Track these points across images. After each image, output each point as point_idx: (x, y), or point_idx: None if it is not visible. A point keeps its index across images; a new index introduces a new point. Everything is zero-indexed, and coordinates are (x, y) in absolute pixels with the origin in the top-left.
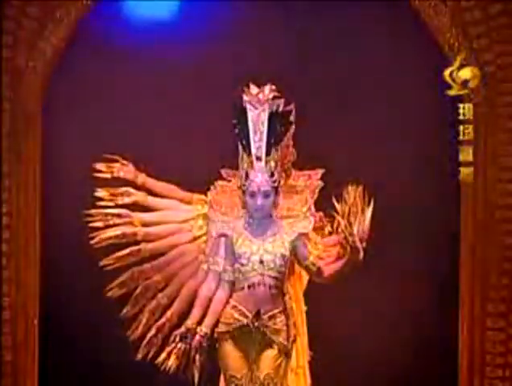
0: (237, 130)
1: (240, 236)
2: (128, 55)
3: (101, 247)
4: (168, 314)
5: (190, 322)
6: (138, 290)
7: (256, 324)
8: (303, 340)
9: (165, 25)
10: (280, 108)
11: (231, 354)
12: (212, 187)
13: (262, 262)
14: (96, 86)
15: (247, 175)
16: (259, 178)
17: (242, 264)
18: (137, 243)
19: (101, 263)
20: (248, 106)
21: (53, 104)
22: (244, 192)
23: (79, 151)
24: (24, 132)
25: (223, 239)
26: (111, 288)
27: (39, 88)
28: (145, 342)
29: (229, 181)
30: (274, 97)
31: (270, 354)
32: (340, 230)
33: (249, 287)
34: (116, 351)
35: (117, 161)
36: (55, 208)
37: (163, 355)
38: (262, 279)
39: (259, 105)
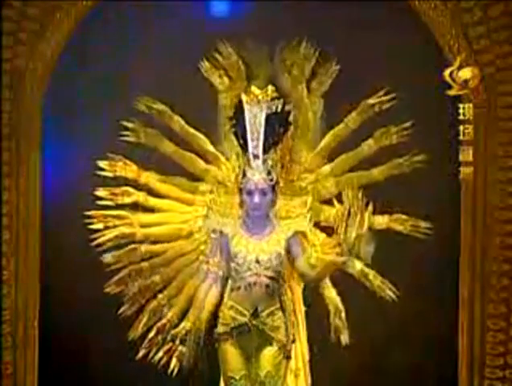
0: (234, 129)
1: (236, 235)
2: (128, 55)
3: (102, 248)
4: (169, 315)
5: (188, 323)
6: (135, 289)
7: (254, 322)
8: (302, 341)
9: (165, 25)
10: (279, 109)
11: (230, 354)
12: (213, 188)
13: (258, 262)
14: (96, 86)
15: (244, 173)
16: (256, 176)
17: (238, 264)
18: (137, 243)
19: (102, 259)
20: (245, 105)
21: (53, 104)
22: (241, 190)
23: (79, 152)
24: (24, 133)
25: (220, 238)
26: (109, 285)
27: (40, 88)
28: (145, 342)
29: (228, 182)
30: (274, 98)
31: (270, 351)
32: (338, 232)
33: (245, 287)
34: (116, 351)
35: (120, 160)
36: (55, 209)
37: (161, 354)
38: (259, 279)
39: (257, 104)
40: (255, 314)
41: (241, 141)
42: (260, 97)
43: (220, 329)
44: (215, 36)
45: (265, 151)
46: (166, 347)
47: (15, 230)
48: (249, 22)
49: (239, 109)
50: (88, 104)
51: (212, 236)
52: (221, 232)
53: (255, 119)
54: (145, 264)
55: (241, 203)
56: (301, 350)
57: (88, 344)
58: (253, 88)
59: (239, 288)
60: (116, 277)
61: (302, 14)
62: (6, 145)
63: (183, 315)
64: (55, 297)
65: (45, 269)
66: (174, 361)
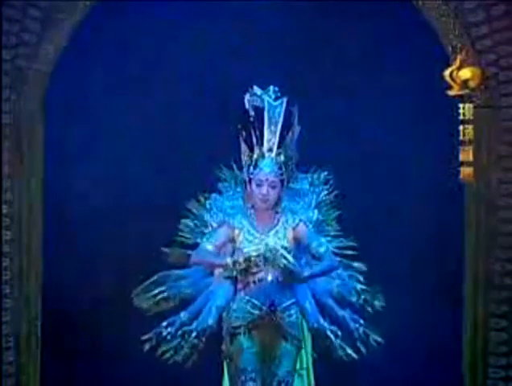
0: (251, 119)
1: (241, 231)
2: (129, 55)
3: (102, 249)
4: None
5: (211, 321)
6: (164, 294)
7: (271, 316)
8: (307, 341)
9: (166, 25)
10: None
11: (245, 347)
12: (218, 186)
13: (264, 257)
14: (97, 86)
15: (256, 165)
16: (269, 168)
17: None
18: None
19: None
20: (266, 97)
21: (55, 104)
22: (250, 181)
23: (81, 152)
24: (26, 133)
25: (226, 231)
26: (137, 293)
27: (42, 88)
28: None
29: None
30: (277, 97)
31: (287, 349)
32: None
33: (254, 282)
34: (117, 351)
35: None
36: (57, 209)
37: (171, 351)
38: (268, 273)
39: (276, 98)
40: (272, 308)
41: (258, 133)
42: (263, 96)
43: (236, 322)
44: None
45: (279, 145)
46: (175, 342)
47: (17, 230)
48: None
49: (259, 100)
50: (90, 103)
51: (213, 225)
52: (228, 225)
53: (275, 110)
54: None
55: (249, 195)
56: (305, 350)
57: (90, 345)
58: (256, 88)
59: (249, 283)
60: (143, 285)
61: (302, 13)
62: (7, 146)
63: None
64: (58, 298)
65: (47, 270)
66: (185, 350)
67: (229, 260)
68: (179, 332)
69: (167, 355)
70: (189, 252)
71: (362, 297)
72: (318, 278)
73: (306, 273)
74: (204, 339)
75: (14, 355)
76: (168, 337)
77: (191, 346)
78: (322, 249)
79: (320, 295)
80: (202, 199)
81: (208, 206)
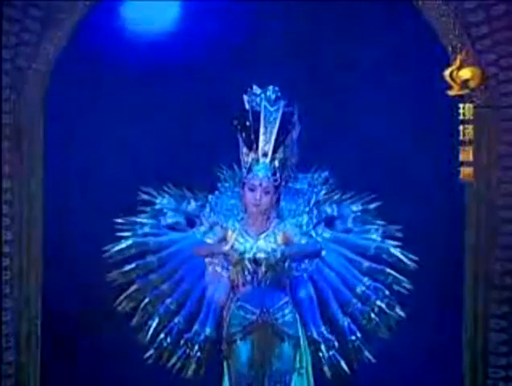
0: (248, 123)
1: (234, 232)
2: (129, 55)
3: (102, 248)
4: (176, 319)
5: (208, 330)
6: (146, 300)
7: (265, 319)
8: (305, 340)
9: (166, 26)
10: (284, 109)
11: (242, 352)
12: (218, 186)
13: (255, 260)
14: (98, 86)
15: (250, 169)
16: (262, 173)
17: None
18: (143, 255)
19: (108, 278)
20: (264, 102)
21: (55, 104)
22: (244, 185)
23: (81, 151)
24: (26, 133)
25: (220, 232)
26: (119, 302)
27: (42, 88)
28: (155, 345)
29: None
30: (277, 97)
31: (285, 350)
32: None
33: (243, 285)
34: (118, 352)
35: None
36: (57, 209)
37: (174, 360)
38: (258, 276)
39: (274, 103)
40: (264, 311)
41: (253, 136)
42: (275, 96)
43: (232, 328)
44: None
45: (274, 150)
46: (180, 352)
47: (18, 230)
48: None
49: (255, 103)
50: (90, 103)
51: (206, 224)
52: (221, 226)
53: (271, 115)
54: (153, 275)
55: (242, 199)
56: (304, 349)
57: (90, 345)
58: (255, 88)
59: (242, 285)
60: (125, 294)
61: (301, 13)
62: (7, 146)
63: (191, 318)
64: (58, 298)
65: (48, 270)
66: (193, 366)
67: (227, 247)
68: (181, 341)
69: (176, 367)
70: None
71: (373, 323)
72: (331, 278)
73: (286, 251)
74: (207, 349)
75: (14, 355)
76: (170, 347)
77: (196, 360)
78: (304, 240)
79: (324, 294)
80: (201, 199)
81: (206, 206)
